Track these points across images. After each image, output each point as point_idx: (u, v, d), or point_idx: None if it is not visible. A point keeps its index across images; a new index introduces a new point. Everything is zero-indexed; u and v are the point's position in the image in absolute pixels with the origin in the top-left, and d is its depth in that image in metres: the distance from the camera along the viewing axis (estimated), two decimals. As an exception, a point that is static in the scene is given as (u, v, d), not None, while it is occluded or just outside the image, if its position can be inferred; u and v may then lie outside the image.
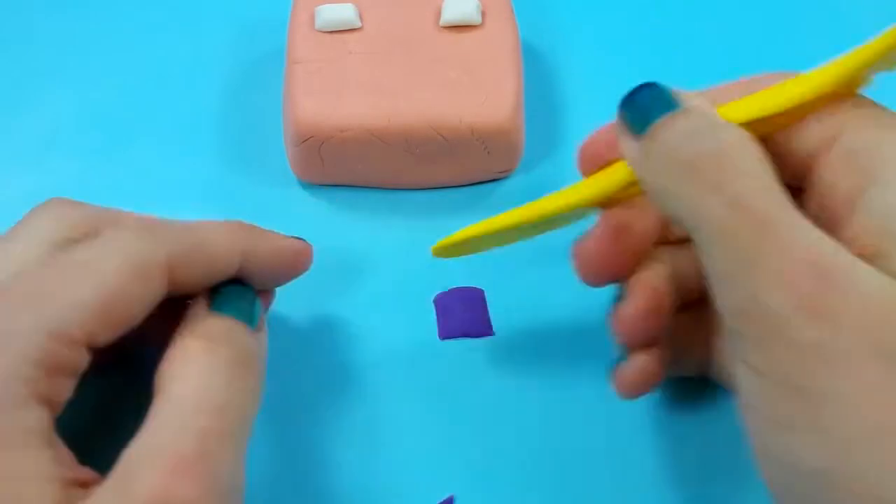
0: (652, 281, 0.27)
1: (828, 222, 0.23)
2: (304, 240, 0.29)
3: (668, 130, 0.23)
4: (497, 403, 0.31)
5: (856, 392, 0.19)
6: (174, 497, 0.21)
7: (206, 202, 0.35)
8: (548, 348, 0.32)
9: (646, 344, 0.27)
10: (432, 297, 0.33)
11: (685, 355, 0.29)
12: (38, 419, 0.21)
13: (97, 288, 0.23)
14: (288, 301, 0.33)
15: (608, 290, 0.28)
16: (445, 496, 0.29)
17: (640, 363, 0.27)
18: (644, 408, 0.31)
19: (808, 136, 0.24)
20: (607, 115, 0.37)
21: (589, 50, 0.39)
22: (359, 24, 0.34)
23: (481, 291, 0.33)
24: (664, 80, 0.37)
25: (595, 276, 0.27)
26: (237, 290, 0.26)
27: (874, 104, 0.24)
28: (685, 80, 0.38)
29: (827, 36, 0.39)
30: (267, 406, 0.30)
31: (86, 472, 0.22)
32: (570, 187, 0.27)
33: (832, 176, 0.23)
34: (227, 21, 0.39)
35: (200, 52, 0.38)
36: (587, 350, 0.32)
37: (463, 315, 0.32)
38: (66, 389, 0.23)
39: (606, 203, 0.27)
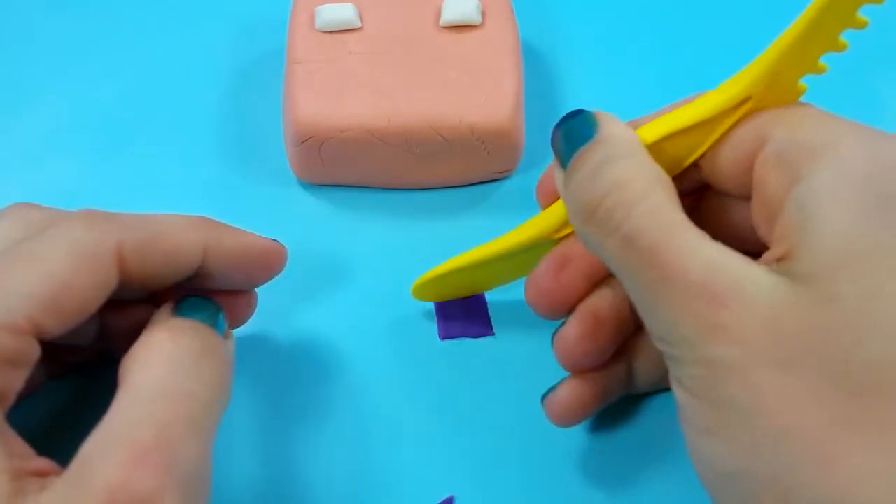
0: (593, 306, 0.27)
1: (768, 226, 0.23)
2: (277, 241, 0.29)
3: (578, 167, 0.24)
4: (497, 404, 0.31)
5: (755, 401, 0.20)
6: (132, 487, 0.20)
7: (206, 202, 0.35)
8: (548, 350, 0.32)
9: (588, 368, 0.28)
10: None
11: (656, 372, 0.29)
12: None
13: (42, 277, 0.22)
14: (288, 301, 0.33)
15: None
16: (445, 496, 0.29)
17: (567, 391, 0.28)
18: (645, 409, 0.31)
19: (741, 142, 0.25)
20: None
21: (589, 50, 0.39)
22: (359, 24, 0.34)
23: (481, 294, 0.33)
24: (664, 81, 0.38)
25: (545, 309, 0.28)
26: (201, 299, 0.26)
27: (805, 104, 0.25)
28: (685, 80, 0.38)
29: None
30: (266, 405, 0.31)
31: (43, 463, 0.22)
32: (525, 223, 0.29)
33: (764, 178, 0.24)
34: (227, 21, 0.39)
35: (200, 52, 0.38)
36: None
37: (463, 316, 0.32)
38: (15, 381, 0.22)
39: (557, 236, 0.28)
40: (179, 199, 0.35)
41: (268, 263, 0.28)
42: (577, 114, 0.25)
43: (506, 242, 0.29)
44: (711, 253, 0.22)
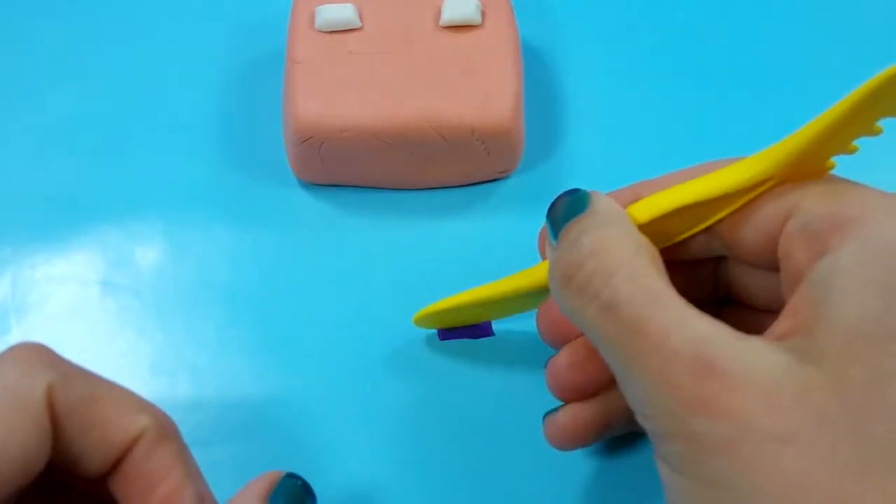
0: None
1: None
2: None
3: (563, 236, 0.24)
4: (497, 404, 0.31)
5: (748, 478, 0.19)
6: None
7: (206, 202, 0.35)
8: (549, 351, 0.32)
9: (577, 397, 0.27)
10: (433, 297, 0.33)
11: None
12: None
13: None
14: (288, 300, 0.33)
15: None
16: (445, 496, 0.29)
17: (568, 415, 0.27)
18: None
19: (765, 215, 0.24)
20: (607, 115, 0.37)
21: (589, 50, 0.39)
22: (359, 24, 0.34)
23: None
24: (664, 80, 0.38)
25: (552, 341, 0.28)
26: (300, 493, 0.23)
27: (833, 177, 0.24)
28: (685, 80, 0.38)
29: (827, 33, 0.40)
30: (265, 405, 0.31)
31: None
32: (531, 269, 0.28)
33: (789, 251, 0.23)
34: (227, 21, 0.39)
35: (200, 52, 0.38)
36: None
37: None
38: None
39: None
40: (179, 199, 0.35)
41: None
42: (573, 192, 0.25)
43: (510, 285, 0.29)
44: (698, 324, 0.21)
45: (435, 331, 0.32)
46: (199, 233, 0.34)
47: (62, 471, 0.22)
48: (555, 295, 0.24)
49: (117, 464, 0.22)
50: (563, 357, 0.27)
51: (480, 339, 0.32)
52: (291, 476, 0.23)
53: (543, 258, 0.28)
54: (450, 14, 0.34)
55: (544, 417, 0.28)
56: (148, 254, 0.34)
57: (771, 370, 0.20)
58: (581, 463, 0.30)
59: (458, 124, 0.32)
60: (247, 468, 0.24)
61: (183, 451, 0.23)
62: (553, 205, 0.25)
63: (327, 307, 0.33)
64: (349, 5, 0.34)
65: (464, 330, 0.32)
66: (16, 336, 0.32)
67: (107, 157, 0.36)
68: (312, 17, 0.34)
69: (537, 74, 0.38)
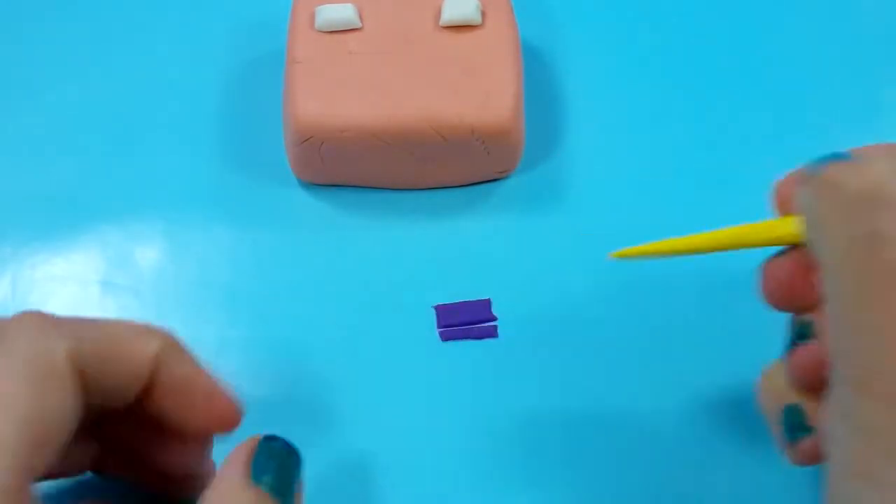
0: None
1: None
2: (237, 402, 0.25)
3: (839, 169, 0.22)
4: (498, 404, 0.31)
5: None
6: None
7: (206, 202, 0.35)
8: (555, 354, 0.32)
9: (798, 305, 0.24)
10: (433, 297, 0.33)
11: None
12: None
13: (13, 421, 0.20)
14: (288, 300, 0.33)
15: (612, 297, 0.28)
16: (444, 494, 0.29)
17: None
18: (646, 410, 0.31)
19: None
20: (607, 115, 0.37)
21: (589, 50, 0.39)
22: (359, 24, 0.34)
23: (487, 301, 0.33)
24: (664, 80, 0.38)
25: (781, 301, 0.25)
26: (280, 453, 0.23)
27: None
28: (685, 80, 0.38)
29: (828, 34, 0.40)
30: (264, 404, 0.30)
31: None
32: (764, 223, 0.25)
33: None
34: (227, 21, 0.39)
35: (200, 52, 0.38)
36: (592, 354, 0.32)
37: (466, 318, 0.32)
38: None
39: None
40: (179, 199, 0.35)
41: (213, 413, 0.25)
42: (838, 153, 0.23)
43: (738, 238, 0.26)
44: None
45: (437, 332, 0.32)
46: (199, 233, 0.34)
47: (97, 409, 0.23)
48: (815, 213, 0.22)
49: (147, 388, 0.23)
50: (788, 260, 0.24)
51: (483, 340, 0.32)
52: (270, 438, 0.23)
53: (781, 213, 0.25)
54: (450, 14, 0.34)
55: (789, 444, 0.25)
56: (148, 254, 0.34)
57: None
58: (585, 455, 0.30)
59: (458, 124, 0.32)
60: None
61: (195, 356, 0.24)
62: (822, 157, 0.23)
63: (327, 307, 0.33)
64: (349, 5, 0.34)
65: (467, 331, 0.32)
66: (16, 336, 0.32)
67: (107, 157, 0.36)
68: (312, 17, 0.34)
69: (537, 74, 0.38)
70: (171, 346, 0.24)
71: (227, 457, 0.23)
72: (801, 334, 0.24)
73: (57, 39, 0.39)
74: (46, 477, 0.22)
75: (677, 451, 0.30)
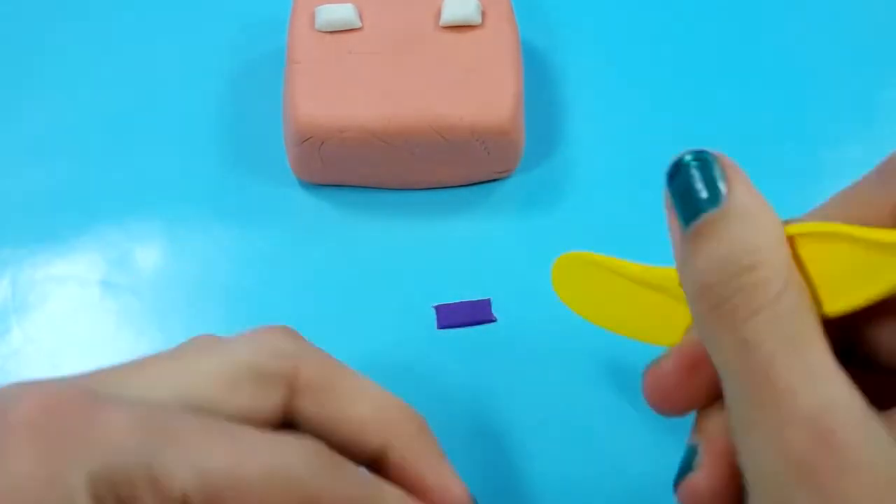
0: (727, 444, 0.22)
1: None
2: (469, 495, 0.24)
3: (703, 237, 0.20)
4: (498, 404, 0.31)
5: None
6: None
7: (206, 202, 0.35)
8: (552, 337, 0.32)
9: (681, 409, 0.23)
10: (433, 297, 0.33)
11: None
12: None
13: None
14: (287, 300, 0.33)
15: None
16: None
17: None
18: (648, 409, 0.31)
19: None
20: (607, 115, 0.37)
21: (589, 50, 0.39)
22: (359, 24, 0.34)
23: (487, 301, 0.33)
24: (664, 80, 0.38)
25: (663, 409, 0.24)
26: None
27: None
28: (684, 80, 0.38)
29: (827, 34, 0.40)
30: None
31: None
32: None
33: None
34: (227, 21, 0.39)
35: (200, 52, 0.38)
36: (593, 354, 0.32)
37: (465, 320, 0.32)
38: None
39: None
40: (179, 199, 0.35)
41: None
42: (701, 159, 0.22)
43: (647, 270, 0.25)
44: (831, 389, 0.18)
45: (436, 332, 0.32)
46: (199, 233, 0.34)
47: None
48: (690, 305, 0.21)
49: (375, 462, 0.23)
50: (669, 363, 0.23)
51: (481, 326, 0.32)
52: None
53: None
54: (450, 14, 0.34)
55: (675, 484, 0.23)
56: (148, 254, 0.34)
57: (891, 466, 0.18)
58: (586, 455, 0.30)
59: (458, 124, 0.32)
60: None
61: (438, 446, 0.24)
62: (676, 170, 0.22)
63: (327, 307, 0.33)
64: (349, 5, 0.34)
65: (464, 315, 0.32)
66: (16, 336, 0.32)
67: (107, 157, 0.36)
68: (312, 17, 0.34)
69: (537, 74, 0.38)
70: (405, 436, 0.23)
71: None
72: (686, 464, 0.22)
73: (57, 40, 0.39)
74: None
75: (679, 449, 0.30)
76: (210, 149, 0.36)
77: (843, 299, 0.20)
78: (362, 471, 0.22)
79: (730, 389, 0.20)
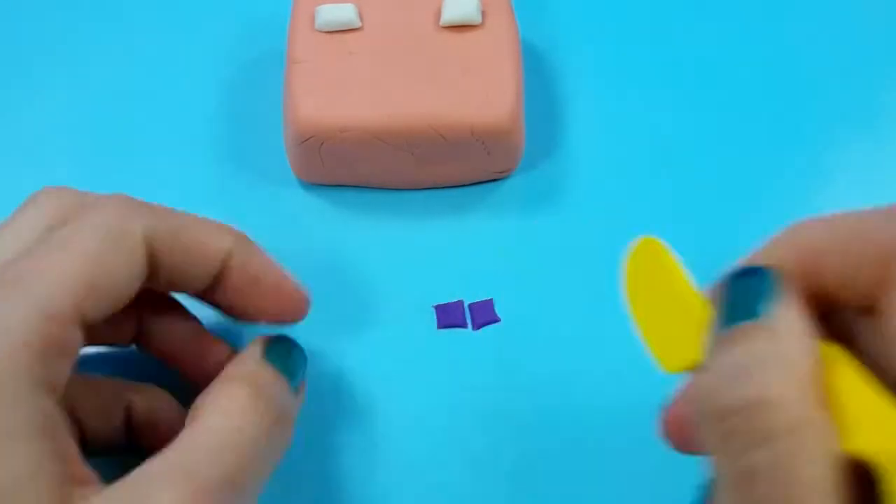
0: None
1: None
2: (304, 290, 0.28)
3: (727, 346, 0.19)
4: (498, 403, 0.31)
5: None
6: None
7: (207, 202, 0.34)
8: (557, 338, 0.32)
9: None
10: (433, 297, 0.33)
11: None
12: (38, 409, 0.21)
13: (78, 262, 0.23)
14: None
15: (613, 297, 0.28)
16: (445, 489, 0.29)
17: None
18: (650, 408, 0.31)
19: None
20: (607, 115, 0.37)
21: (589, 50, 0.39)
22: (359, 24, 0.34)
23: (489, 301, 0.33)
24: (664, 80, 0.38)
25: (668, 441, 0.24)
26: (290, 346, 0.27)
27: None
28: (685, 80, 0.38)
29: (827, 33, 0.40)
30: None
31: (84, 471, 0.22)
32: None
33: None
34: (227, 21, 0.39)
35: (200, 52, 0.38)
36: (593, 354, 0.32)
37: (465, 320, 0.32)
38: (64, 372, 0.22)
39: None
40: (180, 199, 0.34)
41: (283, 299, 0.27)
42: (758, 274, 0.20)
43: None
44: None
45: (437, 332, 0.32)
46: (199, 233, 0.34)
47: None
48: (697, 414, 0.20)
49: (217, 280, 0.26)
50: (680, 406, 0.23)
51: (483, 340, 0.32)
52: (280, 336, 0.27)
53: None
54: (450, 14, 0.34)
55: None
56: (148, 254, 0.34)
57: None
58: (587, 454, 0.30)
59: (458, 124, 0.32)
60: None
61: (264, 252, 0.27)
62: (734, 280, 0.20)
63: (327, 307, 0.33)
64: (349, 5, 0.34)
65: (466, 315, 0.32)
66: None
67: (106, 157, 0.36)
68: (312, 17, 0.34)
69: (537, 74, 0.38)
70: (243, 241, 0.26)
71: (246, 347, 0.26)
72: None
73: (57, 39, 0.39)
74: (91, 341, 0.24)
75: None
76: (210, 149, 0.36)
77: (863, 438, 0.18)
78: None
79: (720, 497, 0.19)
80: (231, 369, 0.25)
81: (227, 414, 0.23)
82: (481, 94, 0.33)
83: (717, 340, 0.20)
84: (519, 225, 0.34)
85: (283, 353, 0.26)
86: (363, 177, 0.35)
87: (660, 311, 0.24)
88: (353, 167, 0.34)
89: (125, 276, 0.24)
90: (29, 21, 0.39)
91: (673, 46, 0.39)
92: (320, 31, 0.34)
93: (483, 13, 0.34)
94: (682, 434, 0.23)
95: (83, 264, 0.23)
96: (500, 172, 0.35)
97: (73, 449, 0.22)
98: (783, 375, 0.18)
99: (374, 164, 0.34)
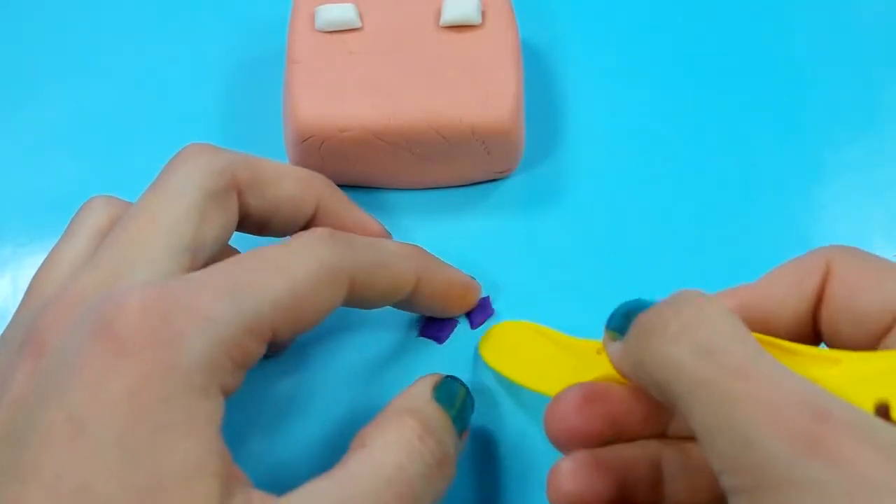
0: (602, 452, 0.25)
1: None
2: (474, 278, 0.31)
3: (647, 315, 0.22)
4: (498, 403, 0.31)
5: None
6: None
7: (206, 202, 0.35)
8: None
9: (584, 443, 0.25)
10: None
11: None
12: (216, 410, 0.21)
13: (290, 287, 0.23)
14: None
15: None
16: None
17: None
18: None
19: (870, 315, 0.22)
20: (607, 115, 0.37)
21: (589, 50, 0.39)
22: (359, 24, 0.34)
23: (487, 298, 0.33)
24: (664, 80, 0.38)
25: (559, 440, 0.25)
26: (459, 387, 0.27)
27: None
28: (685, 80, 0.38)
29: (827, 34, 0.40)
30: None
31: (240, 472, 0.22)
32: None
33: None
34: (227, 21, 0.39)
35: (200, 52, 0.38)
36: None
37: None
38: (240, 380, 0.23)
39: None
40: (179, 199, 0.35)
41: (466, 298, 0.31)
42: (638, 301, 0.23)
43: (570, 340, 0.29)
44: (813, 385, 0.19)
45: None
46: (199, 233, 0.34)
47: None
48: (632, 345, 0.23)
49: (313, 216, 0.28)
50: (567, 463, 0.24)
51: (479, 329, 0.32)
52: (455, 378, 0.27)
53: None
54: (450, 14, 0.34)
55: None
56: (148, 254, 0.34)
57: (888, 433, 0.18)
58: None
59: (458, 124, 0.32)
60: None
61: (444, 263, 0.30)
62: (617, 311, 0.24)
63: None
64: (349, 5, 0.34)
65: (444, 322, 0.32)
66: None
67: (107, 157, 0.36)
68: (312, 17, 0.34)
69: (537, 74, 0.38)
70: (429, 265, 0.29)
71: (416, 381, 0.26)
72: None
73: (57, 39, 0.39)
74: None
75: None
76: (210, 149, 0.36)
77: None
78: (356, 236, 0.26)
79: (696, 405, 0.20)
80: (399, 402, 0.25)
81: (392, 449, 0.23)
82: (481, 94, 0.33)
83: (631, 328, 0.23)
84: (519, 225, 0.34)
85: (454, 394, 0.26)
86: (363, 177, 0.35)
87: (536, 361, 0.29)
88: (353, 167, 0.34)
89: (325, 310, 0.24)
90: (30, 21, 0.39)
91: (673, 46, 0.39)
92: (320, 31, 0.34)
93: (483, 13, 0.34)
94: (565, 422, 0.25)
95: (294, 290, 0.23)
96: (500, 172, 0.35)
97: (228, 452, 0.22)
98: (700, 307, 0.22)
99: (374, 163, 0.34)
